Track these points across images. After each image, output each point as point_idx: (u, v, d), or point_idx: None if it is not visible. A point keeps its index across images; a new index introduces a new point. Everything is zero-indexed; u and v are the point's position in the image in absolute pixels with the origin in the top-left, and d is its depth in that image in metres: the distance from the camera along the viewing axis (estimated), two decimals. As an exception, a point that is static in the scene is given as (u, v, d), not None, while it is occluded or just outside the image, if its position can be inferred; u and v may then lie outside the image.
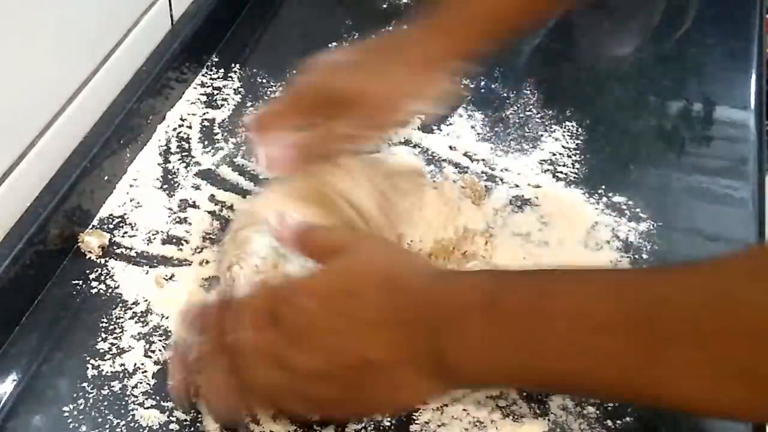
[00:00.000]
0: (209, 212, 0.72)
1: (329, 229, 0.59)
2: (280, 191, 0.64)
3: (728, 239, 0.71)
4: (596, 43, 0.97)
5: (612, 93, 0.86)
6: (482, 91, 0.85)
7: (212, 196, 0.74)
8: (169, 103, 0.82)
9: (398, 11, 0.96)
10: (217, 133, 0.80)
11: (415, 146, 0.78)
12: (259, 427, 0.57)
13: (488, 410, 0.58)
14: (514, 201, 0.73)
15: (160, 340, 0.62)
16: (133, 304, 0.64)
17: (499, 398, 0.58)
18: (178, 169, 0.76)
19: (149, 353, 0.61)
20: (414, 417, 0.58)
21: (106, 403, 0.58)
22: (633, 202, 0.73)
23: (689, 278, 0.44)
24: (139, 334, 0.62)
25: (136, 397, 0.58)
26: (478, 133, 0.80)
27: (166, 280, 0.66)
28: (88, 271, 0.67)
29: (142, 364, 0.60)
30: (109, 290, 0.65)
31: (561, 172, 0.76)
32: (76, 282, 0.66)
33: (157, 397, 0.58)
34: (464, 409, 0.58)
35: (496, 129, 0.81)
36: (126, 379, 0.59)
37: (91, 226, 0.70)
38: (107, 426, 0.56)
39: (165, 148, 0.78)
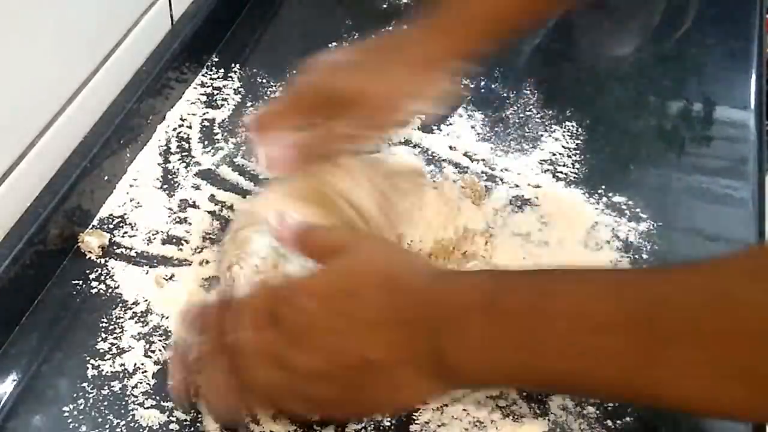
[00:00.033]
0: (209, 212, 0.72)
1: (329, 229, 0.59)
2: (280, 191, 0.64)
3: (728, 239, 0.71)
4: (596, 43, 0.97)
5: (612, 93, 0.86)
6: (482, 91, 0.85)
7: (212, 196, 0.74)
8: (169, 103, 0.82)
9: (398, 11, 0.96)
10: (217, 133, 0.80)
11: (415, 146, 0.78)
12: (259, 427, 0.57)
13: (488, 410, 0.58)
14: (514, 201, 0.73)
15: (160, 340, 0.62)
16: (133, 304, 0.64)
17: (499, 398, 0.58)
18: (178, 169, 0.76)
19: (149, 353, 0.61)
20: (414, 417, 0.58)
21: (106, 403, 0.58)
22: (633, 202, 0.73)
23: (689, 278, 0.44)
24: (139, 334, 0.62)
25: (136, 397, 0.58)
26: (478, 133, 0.80)
27: (166, 280, 0.66)
28: (88, 271, 0.67)
29: (142, 364, 0.60)
30: (109, 290, 0.65)
31: (561, 172, 0.76)
32: (76, 282, 0.66)
33: (157, 397, 0.58)
34: (464, 409, 0.58)
35: (496, 129, 0.81)
36: (126, 379, 0.59)
37: (91, 226, 0.70)
38: (107, 426, 0.56)
39: (165, 148, 0.78)
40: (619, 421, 0.57)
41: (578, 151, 0.78)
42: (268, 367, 0.51)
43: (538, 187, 0.75)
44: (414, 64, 0.63)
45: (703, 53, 0.91)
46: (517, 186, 0.75)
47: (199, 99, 0.84)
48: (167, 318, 0.63)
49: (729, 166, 0.78)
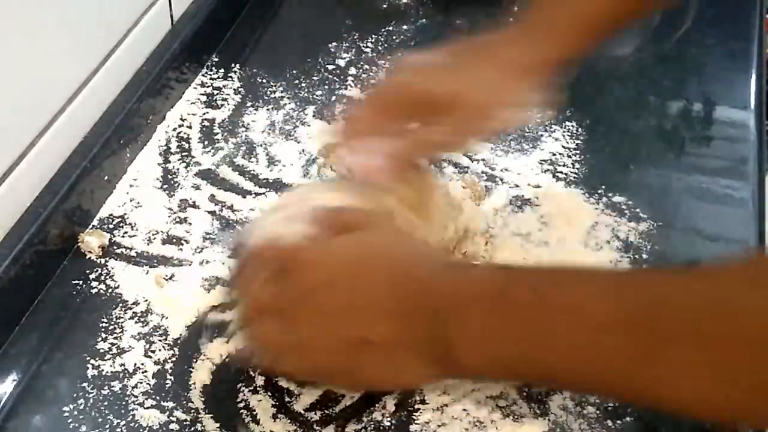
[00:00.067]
0: (209, 212, 0.72)
1: (355, 210, 0.59)
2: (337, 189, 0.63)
3: (728, 239, 0.71)
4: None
5: (612, 93, 0.86)
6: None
7: (212, 196, 0.74)
8: (169, 103, 0.82)
9: (398, 11, 0.96)
10: (217, 133, 0.80)
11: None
12: (259, 426, 0.57)
13: (488, 410, 0.58)
14: (514, 201, 0.73)
15: (160, 340, 0.62)
16: (133, 304, 0.64)
17: (499, 398, 0.58)
18: (178, 169, 0.76)
19: (149, 353, 0.61)
20: (414, 417, 0.58)
21: (106, 403, 0.58)
22: (633, 202, 0.73)
23: (690, 281, 0.44)
24: (139, 334, 0.62)
25: (136, 397, 0.58)
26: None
27: (166, 280, 0.66)
28: (88, 271, 0.67)
29: (142, 364, 0.60)
30: (109, 290, 0.65)
31: (561, 172, 0.76)
32: (76, 282, 0.66)
33: (157, 397, 0.58)
34: (464, 409, 0.58)
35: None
36: (126, 379, 0.59)
37: (91, 226, 0.70)
38: (107, 426, 0.56)
39: (165, 148, 0.78)
40: (619, 421, 0.57)
41: (578, 151, 0.78)
42: (270, 321, 0.52)
43: (538, 187, 0.75)
44: (510, 70, 0.60)
45: (703, 53, 0.91)
46: (517, 186, 0.75)
47: (199, 99, 0.84)
48: (167, 318, 0.63)
49: (729, 166, 0.78)
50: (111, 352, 0.61)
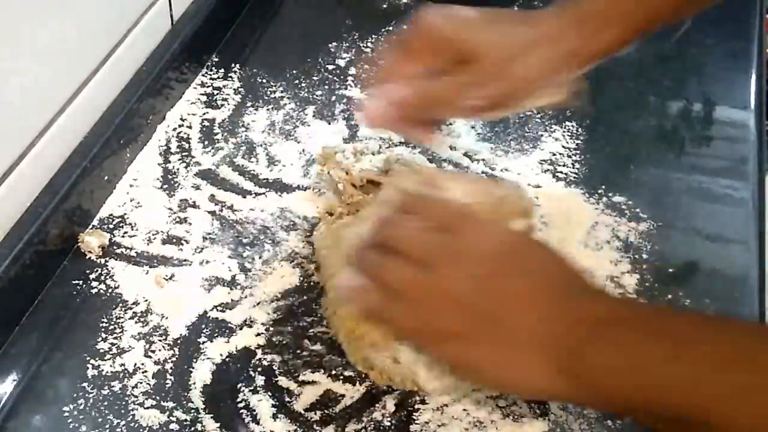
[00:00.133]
0: (209, 212, 0.72)
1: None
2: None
3: (728, 239, 0.71)
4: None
5: (612, 93, 0.86)
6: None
7: (212, 196, 0.74)
8: (169, 103, 0.82)
9: (398, 11, 0.96)
10: (217, 133, 0.80)
11: (415, 146, 0.78)
12: (259, 426, 0.57)
13: (488, 410, 0.58)
14: (514, 201, 0.73)
15: (160, 340, 0.62)
16: (133, 304, 0.64)
17: (499, 398, 0.58)
18: (178, 169, 0.76)
19: (149, 353, 0.61)
20: (414, 417, 0.58)
21: (106, 403, 0.58)
22: (633, 202, 0.73)
23: None
24: (139, 334, 0.62)
25: (136, 397, 0.58)
26: (478, 133, 0.80)
27: (166, 280, 0.66)
28: (88, 271, 0.67)
29: (142, 364, 0.60)
30: (109, 290, 0.65)
31: (561, 172, 0.76)
32: (76, 282, 0.66)
33: (157, 397, 0.58)
34: (464, 409, 0.58)
35: (496, 129, 0.81)
36: (126, 379, 0.59)
37: (91, 226, 0.70)
38: (107, 426, 0.57)
39: (165, 148, 0.78)
40: (619, 421, 0.57)
41: (578, 151, 0.78)
42: (412, 266, 0.52)
43: (538, 187, 0.75)
44: (549, 47, 0.58)
45: (703, 53, 0.91)
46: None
47: (199, 99, 0.84)
48: (167, 318, 0.63)
49: (729, 166, 0.78)
50: (111, 352, 0.61)
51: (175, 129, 0.80)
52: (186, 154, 0.78)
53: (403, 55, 0.60)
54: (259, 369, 0.60)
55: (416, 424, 0.57)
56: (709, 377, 0.44)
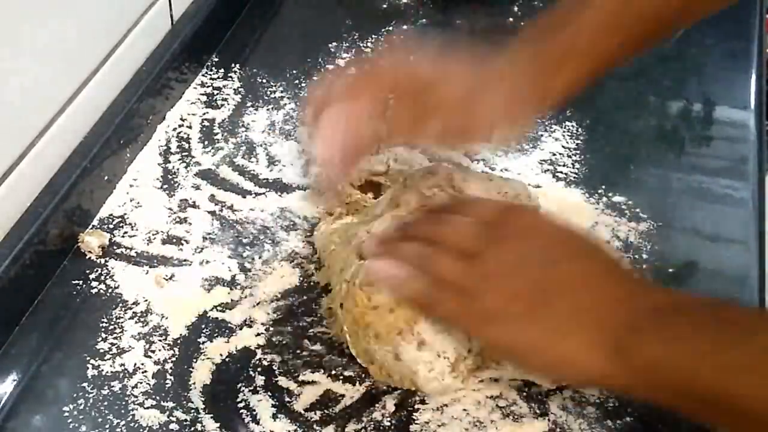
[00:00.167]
0: (209, 212, 0.72)
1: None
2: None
3: (728, 239, 0.71)
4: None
5: (612, 93, 0.86)
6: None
7: (212, 196, 0.74)
8: (169, 103, 0.82)
9: (398, 11, 0.96)
10: (217, 133, 0.80)
11: (415, 146, 0.78)
12: (259, 426, 0.57)
13: (488, 410, 0.58)
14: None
15: (160, 340, 0.62)
16: (133, 304, 0.64)
17: (499, 398, 0.58)
18: (178, 169, 0.76)
19: (149, 353, 0.61)
20: (414, 417, 0.58)
21: (106, 403, 0.58)
22: (633, 202, 0.73)
23: None
24: (139, 334, 0.62)
25: (136, 397, 0.58)
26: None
27: (166, 280, 0.66)
28: (88, 271, 0.67)
29: (142, 364, 0.60)
30: (109, 290, 0.65)
31: (561, 172, 0.76)
32: (76, 282, 0.66)
33: (157, 397, 0.58)
34: (464, 409, 0.58)
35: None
36: (126, 379, 0.59)
37: (91, 226, 0.70)
38: (107, 426, 0.56)
39: (165, 148, 0.78)
40: (619, 421, 0.57)
41: (578, 151, 0.78)
42: (462, 257, 0.53)
43: (538, 187, 0.74)
44: (504, 97, 0.58)
45: (703, 53, 0.91)
46: (517, 186, 0.75)
47: (199, 99, 0.84)
48: (167, 318, 0.63)
49: (729, 166, 0.78)
50: (111, 352, 0.61)
51: (175, 129, 0.80)
52: (186, 154, 0.78)
53: (357, 88, 0.60)
54: (259, 369, 0.60)
55: (416, 424, 0.57)
56: None
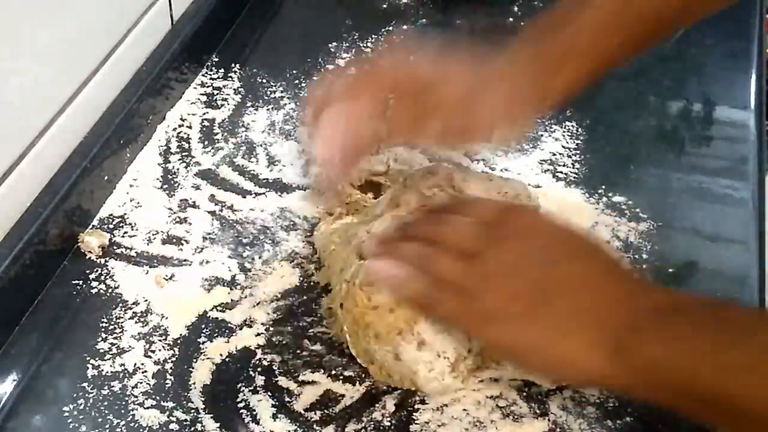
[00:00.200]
0: (209, 212, 0.72)
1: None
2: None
3: (728, 239, 0.71)
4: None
5: (612, 93, 0.86)
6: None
7: (212, 196, 0.74)
8: (169, 103, 0.82)
9: (398, 11, 0.96)
10: (217, 133, 0.80)
11: (414, 146, 0.78)
12: (259, 426, 0.57)
13: (488, 410, 0.58)
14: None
15: (160, 340, 0.62)
16: (133, 304, 0.64)
17: (499, 398, 0.58)
18: (178, 169, 0.76)
19: (149, 353, 0.61)
20: (414, 417, 0.58)
21: (106, 403, 0.58)
22: (633, 202, 0.73)
23: None
24: (139, 334, 0.62)
25: (136, 397, 0.58)
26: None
27: (166, 280, 0.66)
28: (88, 271, 0.67)
29: (142, 364, 0.60)
30: (109, 290, 0.65)
31: (561, 172, 0.76)
32: (76, 282, 0.66)
33: (157, 397, 0.58)
34: (464, 409, 0.58)
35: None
36: (126, 379, 0.59)
37: (91, 226, 0.70)
38: (107, 426, 0.56)
39: (165, 148, 0.78)
40: (619, 421, 0.57)
41: (578, 151, 0.78)
42: (462, 257, 0.53)
43: (538, 187, 0.74)
44: (504, 97, 0.58)
45: (703, 53, 0.91)
46: (517, 186, 0.75)
47: (199, 99, 0.84)
48: (167, 318, 0.63)
49: (729, 166, 0.78)
50: (111, 352, 0.61)
51: (175, 129, 0.80)
52: (186, 154, 0.78)
53: (357, 88, 0.59)
54: (259, 369, 0.60)
55: (416, 424, 0.57)
56: None
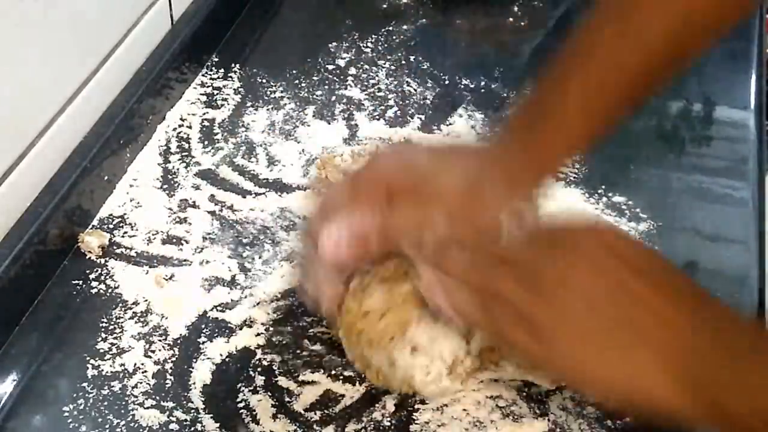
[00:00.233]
0: (209, 212, 0.72)
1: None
2: None
3: (728, 239, 0.71)
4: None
5: (612, 93, 0.86)
6: (482, 91, 0.85)
7: (212, 196, 0.74)
8: (169, 103, 0.82)
9: (398, 11, 0.96)
10: (217, 133, 0.80)
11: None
12: (259, 426, 0.57)
13: (488, 410, 0.58)
14: (514, 201, 0.73)
15: (160, 340, 0.62)
16: (133, 304, 0.64)
17: (499, 398, 0.58)
18: (178, 169, 0.76)
19: (149, 353, 0.61)
20: (414, 417, 0.58)
21: (106, 403, 0.58)
22: (633, 202, 0.73)
23: None
24: (138, 334, 0.62)
25: (136, 397, 0.58)
26: (478, 133, 0.80)
27: (166, 280, 0.66)
28: (88, 271, 0.67)
29: (142, 364, 0.60)
30: (109, 290, 0.65)
31: (561, 172, 0.76)
32: (76, 282, 0.66)
33: (157, 397, 0.58)
34: (464, 409, 0.58)
35: (496, 129, 0.81)
36: (126, 379, 0.59)
37: (91, 226, 0.70)
38: (107, 426, 0.56)
39: (165, 148, 0.78)
40: (619, 421, 0.57)
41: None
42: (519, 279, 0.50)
43: (537, 187, 0.74)
44: (503, 188, 0.56)
45: (703, 53, 0.90)
46: (517, 186, 0.75)
47: (199, 99, 0.84)
48: (167, 318, 0.63)
49: (729, 166, 0.78)
50: (111, 352, 0.61)
51: (175, 129, 0.80)
52: (186, 154, 0.78)
53: (354, 193, 0.57)
54: (259, 369, 0.60)
55: (416, 424, 0.57)
56: None
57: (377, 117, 0.82)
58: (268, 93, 0.85)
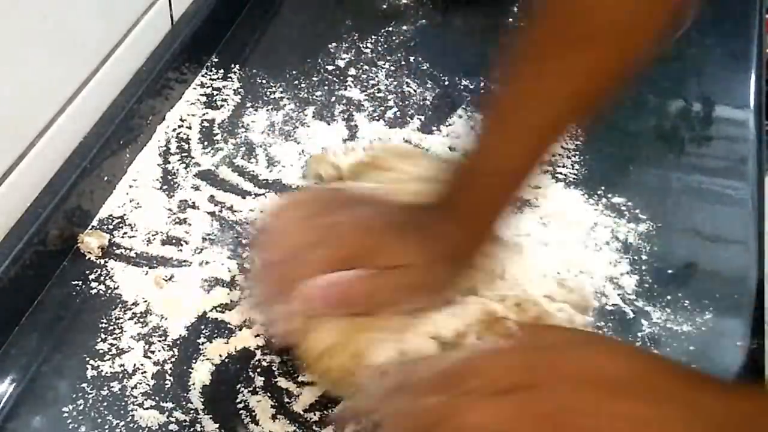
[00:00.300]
0: (209, 213, 0.72)
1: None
2: None
3: (728, 239, 0.71)
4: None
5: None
6: (482, 91, 0.85)
7: (212, 196, 0.74)
8: (169, 103, 0.82)
9: (398, 11, 0.96)
10: (217, 134, 0.80)
11: (415, 147, 0.78)
12: (258, 427, 0.57)
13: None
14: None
15: (159, 341, 0.62)
16: (133, 304, 0.64)
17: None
18: (177, 170, 0.76)
19: (149, 354, 0.61)
20: (413, 417, 0.58)
21: (105, 404, 0.58)
22: (632, 203, 0.73)
23: None
24: (138, 334, 0.62)
25: (136, 397, 0.58)
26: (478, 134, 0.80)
27: (166, 280, 0.66)
28: (87, 272, 0.67)
29: (142, 364, 0.60)
30: (109, 291, 0.65)
31: (560, 173, 0.76)
32: (76, 282, 0.66)
33: (157, 398, 0.58)
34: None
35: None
36: (125, 380, 0.59)
37: (90, 227, 0.70)
38: (107, 426, 0.57)
39: (165, 148, 0.78)
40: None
41: (578, 152, 0.78)
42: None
43: (537, 187, 0.74)
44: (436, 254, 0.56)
45: (703, 53, 0.91)
46: (516, 186, 0.75)
47: (198, 99, 0.84)
48: (167, 318, 0.63)
49: (729, 166, 0.78)
50: (110, 353, 0.61)
51: (174, 129, 0.80)
52: (186, 154, 0.78)
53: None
54: (259, 370, 0.60)
55: (415, 424, 0.57)
56: None
57: (377, 118, 0.82)
58: (268, 94, 0.85)
